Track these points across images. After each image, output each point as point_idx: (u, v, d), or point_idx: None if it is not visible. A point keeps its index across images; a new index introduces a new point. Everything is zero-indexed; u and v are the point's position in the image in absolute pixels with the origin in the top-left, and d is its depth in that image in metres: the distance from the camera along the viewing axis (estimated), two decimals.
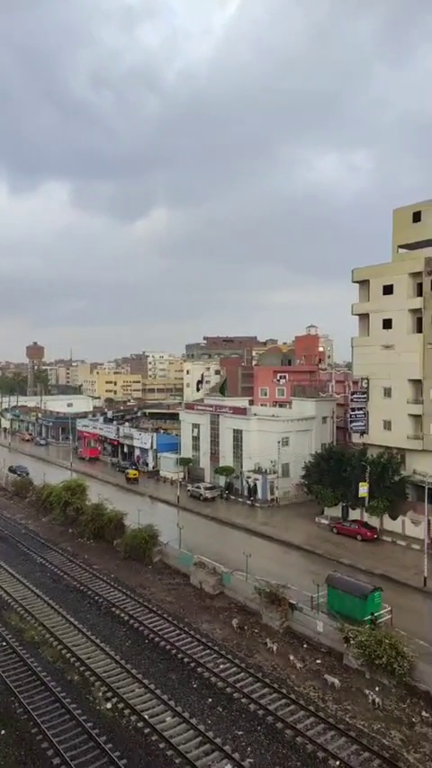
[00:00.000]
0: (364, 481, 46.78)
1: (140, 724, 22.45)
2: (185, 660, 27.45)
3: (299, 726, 22.28)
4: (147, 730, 22.06)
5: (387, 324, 50.90)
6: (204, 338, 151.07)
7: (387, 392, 50.91)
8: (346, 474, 49.42)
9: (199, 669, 26.67)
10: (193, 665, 27.07)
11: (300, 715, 23.14)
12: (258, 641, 29.34)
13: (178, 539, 41.31)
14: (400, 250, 51.87)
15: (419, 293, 48.48)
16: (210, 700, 24.47)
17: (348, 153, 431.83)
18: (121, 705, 23.73)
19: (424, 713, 23.38)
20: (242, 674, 26.23)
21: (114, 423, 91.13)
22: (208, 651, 28.25)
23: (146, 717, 22.77)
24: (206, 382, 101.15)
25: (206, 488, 61.10)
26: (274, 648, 28.39)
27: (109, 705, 23.80)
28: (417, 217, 49.75)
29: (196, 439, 69.60)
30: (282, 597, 30.83)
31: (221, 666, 26.83)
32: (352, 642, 26.67)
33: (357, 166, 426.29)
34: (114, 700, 24.12)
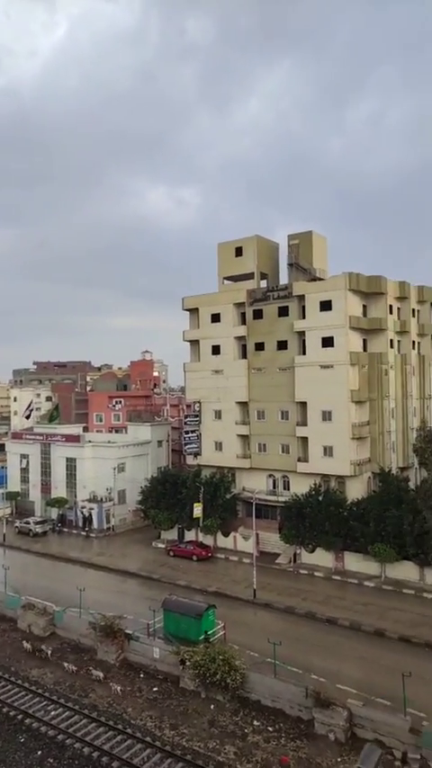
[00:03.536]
0: (199, 501, 48.22)
1: None
2: (11, 714, 25.20)
3: (135, 760, 21.75)
4: None
5: (216, 350, 53.73)
6: (34, 363, 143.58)
7: (218, 414, 53.45)
8: (182, 496, 50.49)
9: (27, 720, 24.67)
10: (20, 717, 24.95)
11: (137, 748, 22.62)
12: (93, 679, 28.14)
13: (3, 581, 38.11)
14: (225, 281, 55.44)
15: (243, 322, 52.18)
16: (39, 753, 22.74)
17: (177, 188, 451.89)
18: None
19: (255, 722, 24.43)
20: (76, 716, 24.88)
21: None
22: (38, 699, 26.31)
23: None
24: (36, 409, 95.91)
25: (36, 523, 57.51)
26: (110, 684, 27.48)
27: None
28: (239, 252, 53.78)
29: (25, 470, 65.44)
30: (117, 629, 30.08)
31: (53, 713, 25.17)
32: (188, 663, 26.97)
33: (186, 201, 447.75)
34: None
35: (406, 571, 39.90)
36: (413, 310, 53.68)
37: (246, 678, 25.89)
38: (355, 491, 45.26)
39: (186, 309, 56.48)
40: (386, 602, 36.82)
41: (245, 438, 51.92)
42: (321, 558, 43.85)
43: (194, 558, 47.17)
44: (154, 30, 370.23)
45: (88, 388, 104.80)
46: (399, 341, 51.85)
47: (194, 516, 48.14)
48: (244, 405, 52.12)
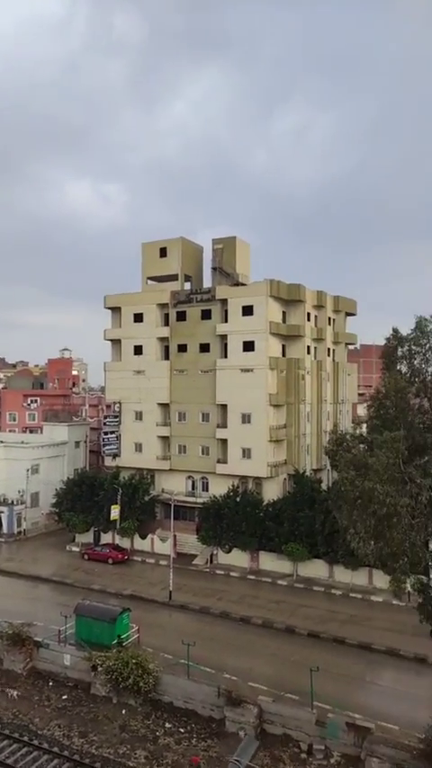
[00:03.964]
0: (116, 504, 47.47)
1: None
2: None
3: None
4: None
5: (138, 350, 53.18)
6: None
7: (138, 416, 52.91)
8: (99, 498, 49.47)
9: None
10: None
11: (43, 760, 21.86)
12: None
13: None
14: (149, 281, 55.09)
15: (166, 323, 52.07)
16: None
17: (102, 183, 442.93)
18: None
19: (167, 725, 24.38)
20: None
21: None
22: None
23: None
24: None
25: None
26: (15, 694, 26.37)
27: None
28: (163, 252, 53.64)
29: None
30: (25, 637, 28.92)
31: None
32: (100, 669, 26.44)
33: (111, 198, 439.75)
34: None
35: (316, 569, 41.49)
36: (329, 319, 56.04)
37: (159, 681, 25.78)
38: (272, 492, 46.46)
39: (108, 308, 55.51)
40: (297, 599, 38.07)
41: (165, 439, 51.77)
42: (237, 559, 44.60)
43: (110, 561, 46.35)
44: (81, 20, 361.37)
45: (1, 386, 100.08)
46: (315, 347, 53.90)
47: (111, 519, 47.31)
48: (165, 406, 51.98)
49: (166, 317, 52.15)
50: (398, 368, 19.73)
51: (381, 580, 36.20)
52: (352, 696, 25.54)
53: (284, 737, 23.18)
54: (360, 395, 67.54)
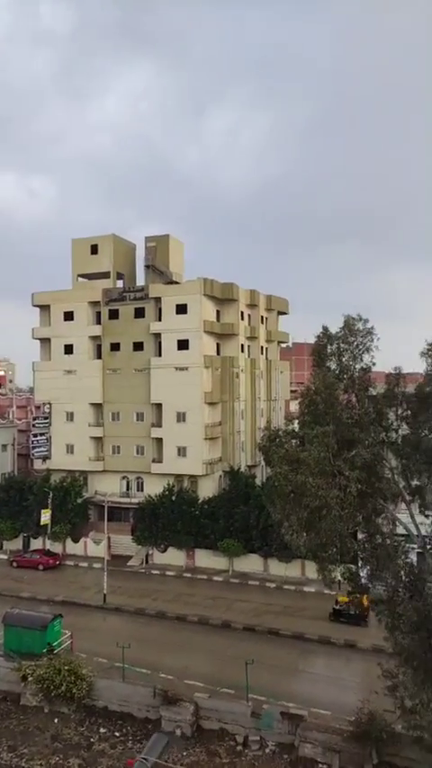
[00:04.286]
0: (47, 508, 46.01)
1: None
2: None
3: None
4: None
5: (69, 349, 51.78)
6: None
7: (70, 416, 51.52)
8: (28, 503, 47.79)
9: None
10: None
11: None
12: None
13: None
14: (80, 279, 53.77)
15: (98, 321, 51.03)
16: None
17: (27, 177, 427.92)
18: None
19: (102, 730, 23.90)
20: None
21: None
22: None
23: None
24: None
25: None
26: None
27: None
28: (94, 249, 52.49)
29: None
30: None
31: None
32: (30, 679, 25.50)
33: (39, 192, 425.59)
34: None
35: (251, 563, 42.12)
36: (262, 317, 57.01)
37: (93, 686, 25.21)
38: (207, 489, 46.65)
39: (37, 306, 53.68)
40: (233, 594, 38.46)
41: (98, 440, 50.75)
42: (173, 557, 44.47)
43: (41, 567, 44.82)
44: (3, 7, 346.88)
45: None
46: (249, 346, 54.66)
47: (42, 523, 45.83)
48: (98, 406, 50.95)
49: (98, 315, 51.12)
50: (327, 365, 20.32)
51: (313, 571, 36.96)
52: (286, 685, 26.11)
53: (221, 732, 23.34)
54: (292, 392, 69.13)
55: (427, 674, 16.88)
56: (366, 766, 20.86)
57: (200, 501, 44.85)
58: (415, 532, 18.90)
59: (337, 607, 33.23)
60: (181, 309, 47.37)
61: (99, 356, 50.99)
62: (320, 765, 21.31)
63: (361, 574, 20.05)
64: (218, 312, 50.52)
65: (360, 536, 19.54)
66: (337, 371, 19.89)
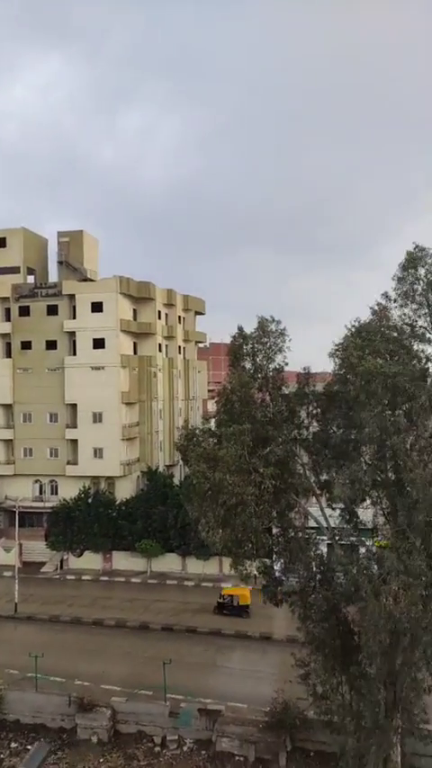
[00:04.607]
0: None
1: None
2: None
3: None
4: None
5: None
6: None
7: None
8: None
9: None
10: None
11: None
12: None
13: None
14: None
15: (8, 318, 48.74)
16: None
17: None
18: None
19: (13, 744, 22.93)
20: None
21: None
22: None
23: None
24: None
25: None
26: None
27: None
28: (2, 242, 50.03)
29: None
30: None
31: None
32: None
33: None
34: None
35: (170, 563, 42.09)
36: (179, 317, 57.09)
37: (3, 699, 24.11)
38: (125, 491, 46.00)
39: None
40: (151, 595, 38.25)
41: (8, 442, 48.50)
42: (90, 561, 43.45)
43: None
44: None
45: None
46: (166, 345, 54.54)
47: None
48: (8, 407, 48.67)
49: (7, 311, 48.81)
50: (243, 364, 20.71)
51: (230, 567, 37.92)
52: (204, 682, 26.37)
53: (138, 734, 23.17)
54: (210, 391, 69.88)
55: (336, 660, 17.72)
56: (281, 754, 21.55)
57: (117, 502, 44.17)
58: (325, 525, 19.74)
59: (221, 600, 34.14)
60: (96, 307, 46.35)
61: (9, 355, 48.71)
62: (237, 758, 21.74)
63: (275, 567, 20.66)
64: (134, 311, 49.96)
65: (274, 531, 20.13)
66: (251, 371, 20.33)
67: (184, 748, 22.54)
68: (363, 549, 18.19)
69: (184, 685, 25.19)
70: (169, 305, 54.80)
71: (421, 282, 17.25)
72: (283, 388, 20.51)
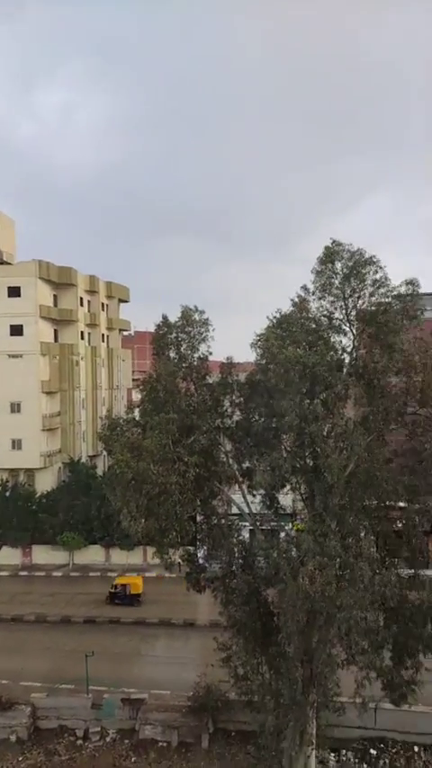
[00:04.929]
0: None
1: None
2: None
3: None
4: None
5: None
6: None
7: None
8: None
9: None
10: None
11: None
12: None
13: None
14: None
15: None
16: None
17: None
18: None
19: None
20: None
21: None
22: None
23: None
24: None
25: None
26: None
27: None
28: None
29: None
30: None
31: None
32: None
33: None
34: None
35: (93, 555, 41.45)
36: (102, 304, 55.84)
37: None
38: (46, 483, 44.61)
39: None
40: (73, 588, 37.52)
41: None
42: (8, 556, 41.89)
43: None
44: None
45: None
46: (89, 333, 53.22)
47: None
48: None
49: None
50: (167, 353, 20.62)
51: (155, 557, 37.95)
52: (128, 672, 26.33)
53: (60, 729, 22.80)
54: (135, 380, 69.13)
55: (257, 641, 18.26)
56: (203, 736, 22.01)
57: (38, 495, 42.80)
58: (247, 511, 20.19)
59: (113, 590, 34.43)
60: (13, 292, 44.32)
61: None
62: (161, 743, 21.95)
63: (198, 555, 20.90)
64: (55, 297, 48.27)
65: (198, 518, 20.32)
66: (176, 360, 20.29)
67: (107, 739, 22.44)
68: (283, 534, 18.79)
69: (107, 676, 25.02)
70: (92, 291, 53.45)
71: (338, 276, 17.89)
72: (207, 377, 20.67)
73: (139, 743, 22.03)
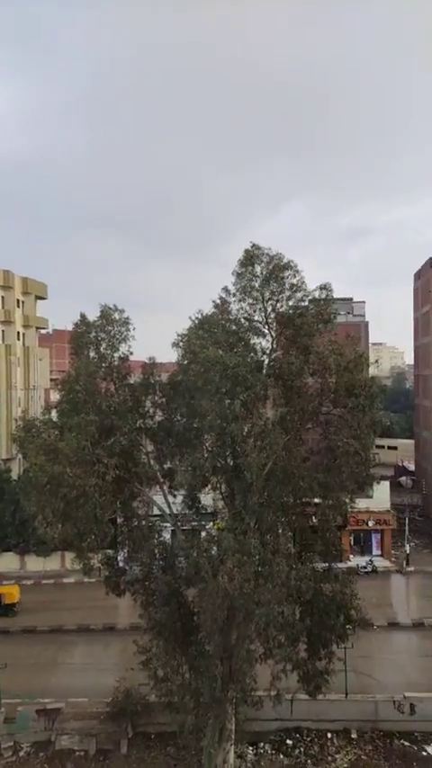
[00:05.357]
0: None
1: None
2: None
3: None
4: None
5: None
6: None
7: None
8: None
9: None
10: None
11: None
12: None
13: None
14: None
15: None
16: None
17: None
18: None
19: None
20: None
21: None
22: None
23: None
24: None
25: None
26: None
27: None
28: None
29: None
30: None
31: None
32: None
33: None
34: None
35: (7, 562, 39.64)
36: (18, 301, 53.55)
37: None
38: None
39: None
40: None
41: None
42: None
43: None
44: None
45: None
46: (3, 330, 50.85)
47: None
48: None
49: None
50: (86, 353, 20.10)
51: (73, 562, 36.91)
52: (44, 681, 25.38)
53: None
54: (53, 380, 66.77)
55: (177, 642, 18.22)
56: (122, 741, 21.66)
57: None
58: (168, 512, 20.13)
59: None
60: None
61: None
62: (78, 753, 21.35)
63: (118, 557, 20.57)
64: None
65: (118, 521, 19.99)
66: (96, 359, 19.85)
67: (21, 753, 21.50)
68: (204, 533, 18.90)
69: (22, 688, 23.97)
70: (6, 287, 51.15)
71: (258, 279, 18.29)
72: (129, 377, 20.40)
73: (55, 754, 21.29)
